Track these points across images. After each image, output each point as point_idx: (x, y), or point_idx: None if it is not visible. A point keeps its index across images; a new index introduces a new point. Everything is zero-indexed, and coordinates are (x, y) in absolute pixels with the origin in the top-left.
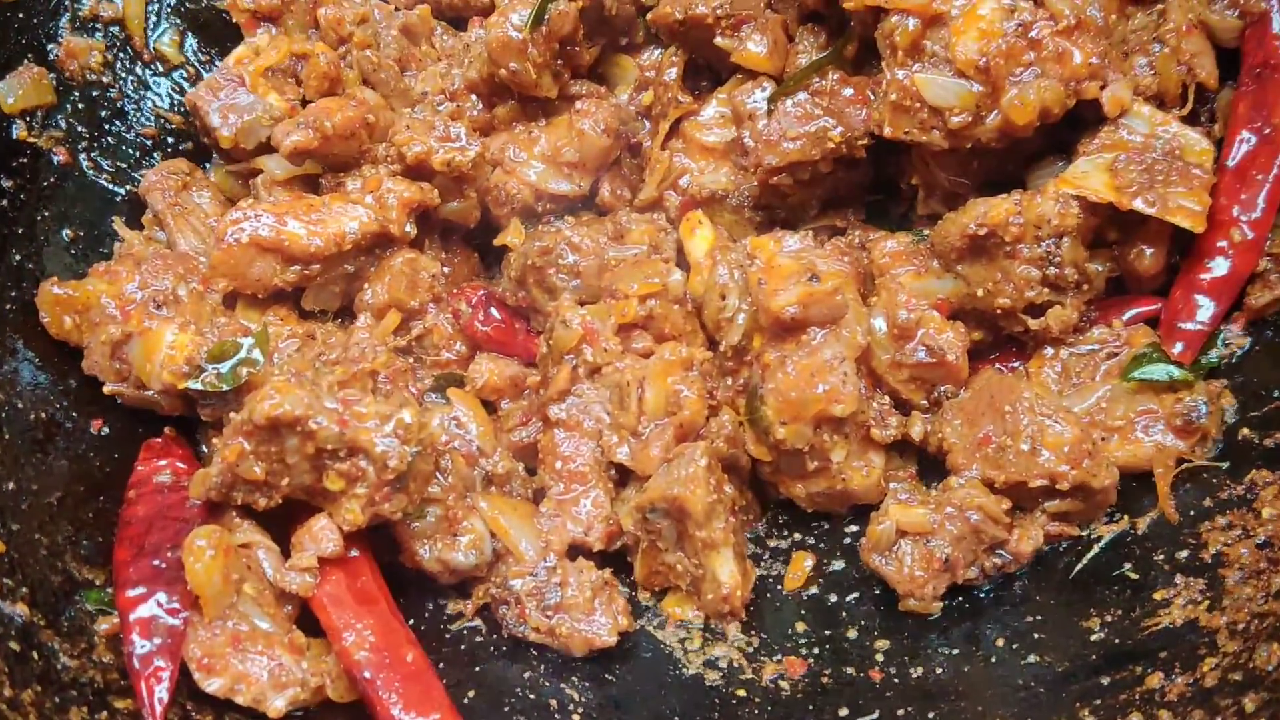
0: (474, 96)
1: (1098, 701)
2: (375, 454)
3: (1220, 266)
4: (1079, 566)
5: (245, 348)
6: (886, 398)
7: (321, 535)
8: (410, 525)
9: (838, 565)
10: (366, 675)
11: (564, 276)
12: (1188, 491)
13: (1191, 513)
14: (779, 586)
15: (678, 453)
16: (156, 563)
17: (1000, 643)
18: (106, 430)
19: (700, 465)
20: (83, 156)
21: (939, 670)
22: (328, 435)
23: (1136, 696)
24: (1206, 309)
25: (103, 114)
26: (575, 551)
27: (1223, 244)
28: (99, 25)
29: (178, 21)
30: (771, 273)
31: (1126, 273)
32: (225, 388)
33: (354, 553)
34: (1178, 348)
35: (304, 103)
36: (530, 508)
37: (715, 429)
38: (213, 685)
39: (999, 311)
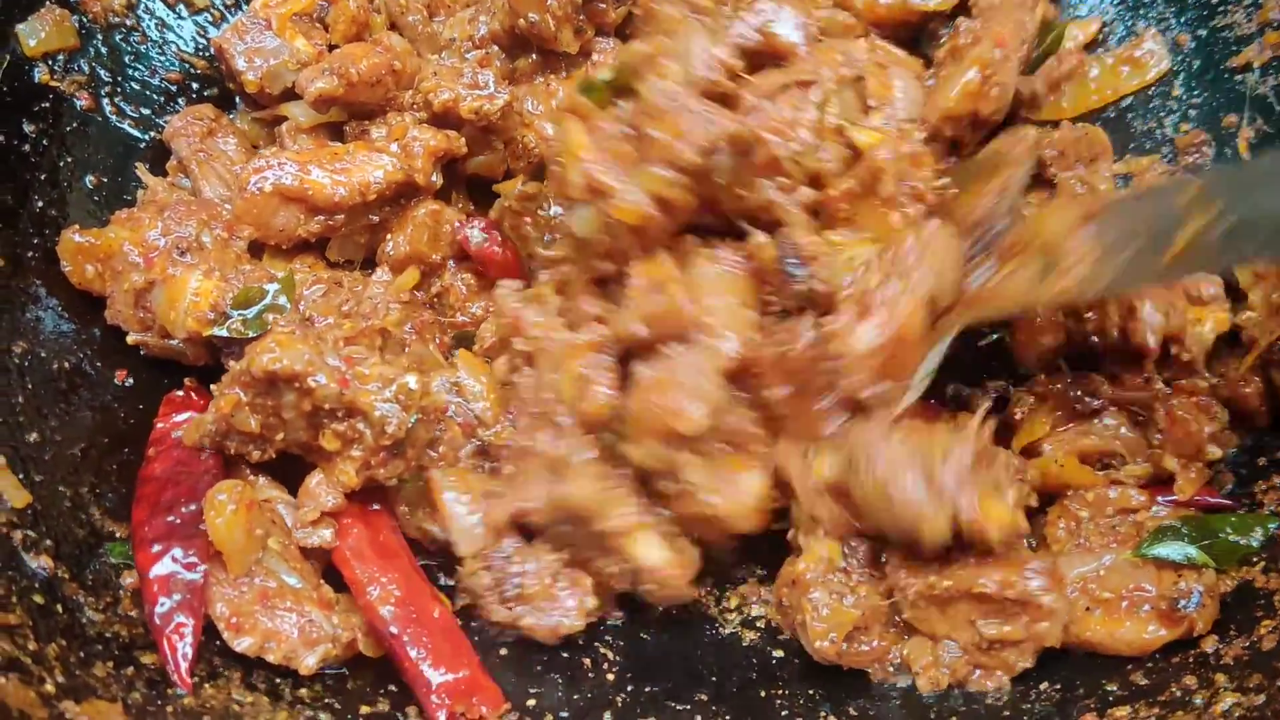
0: (496, 47)
1: (1149, 664)
2: (374, 418)
3: None
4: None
5: (271, 294)
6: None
7: (319, 491)
8: (399, 490)
9: None
10: (393, 631)
11: (538, 230)
12: (1239, 451)
13: (1244, 471)
14: None
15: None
16: (171, 518)
17: None
18: (130, 381)
19: (586, 460)
20: (106, 101)
21: None
22: (326, 394)
23: (1190, 659)
24: None
25: (126, 58)
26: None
27: None
28: None
29: None
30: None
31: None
32: (251, 334)
33: (375, 506)
34: None
35: (331, 48)
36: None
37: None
38: (243, 644)
39: None
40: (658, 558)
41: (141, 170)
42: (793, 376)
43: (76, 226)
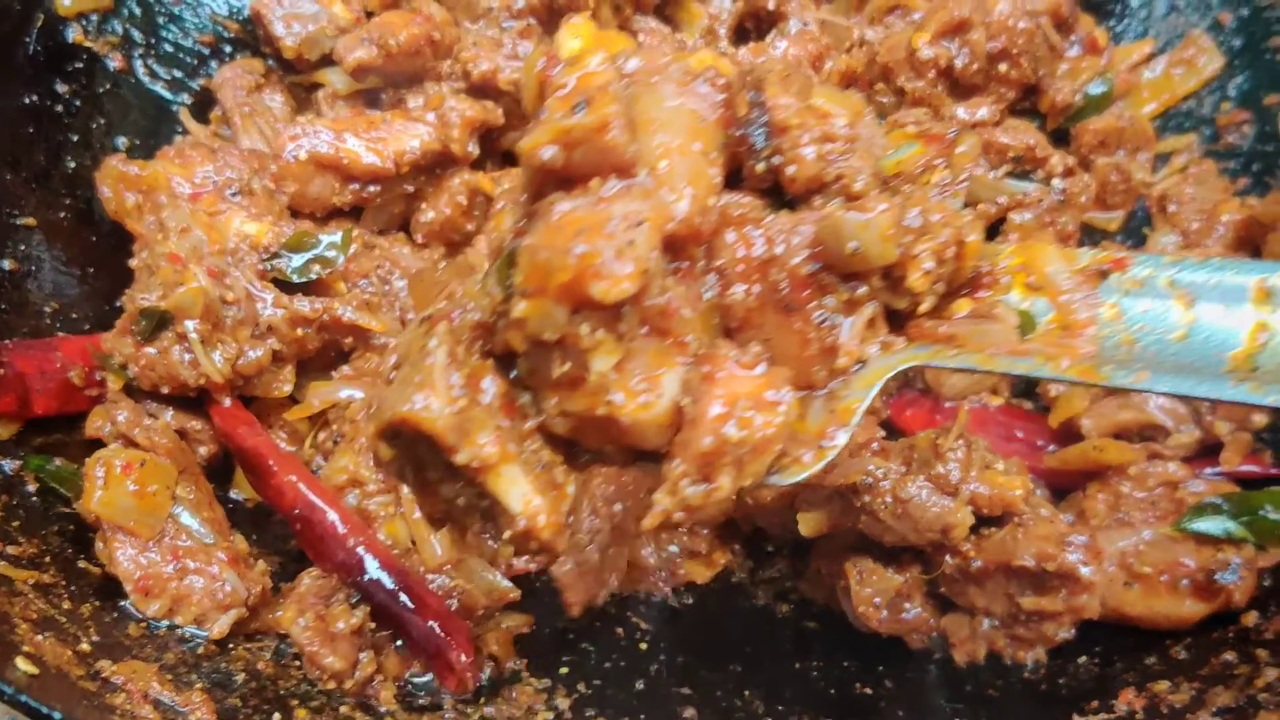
0: (534, 19)
1: (1189, 639)
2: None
3: None
4: None
5: (324, 244)
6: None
7: None
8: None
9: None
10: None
11: None
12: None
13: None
14: None
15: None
16: None
17: None
18: None
19: (437, 361)
20: (138, 63)
21: None
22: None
23: (1231, 634)
24: None
25: (160, 19)
26: None
27: None
28: None
29: None
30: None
31: None
32: (295, 279)
33: None
34: None
35: (369, 14)
36: None
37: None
38: (152, 608)
39: None
40: (520, 498)
41: (185, 115)
42: (768, 279)
43: (123, 155)
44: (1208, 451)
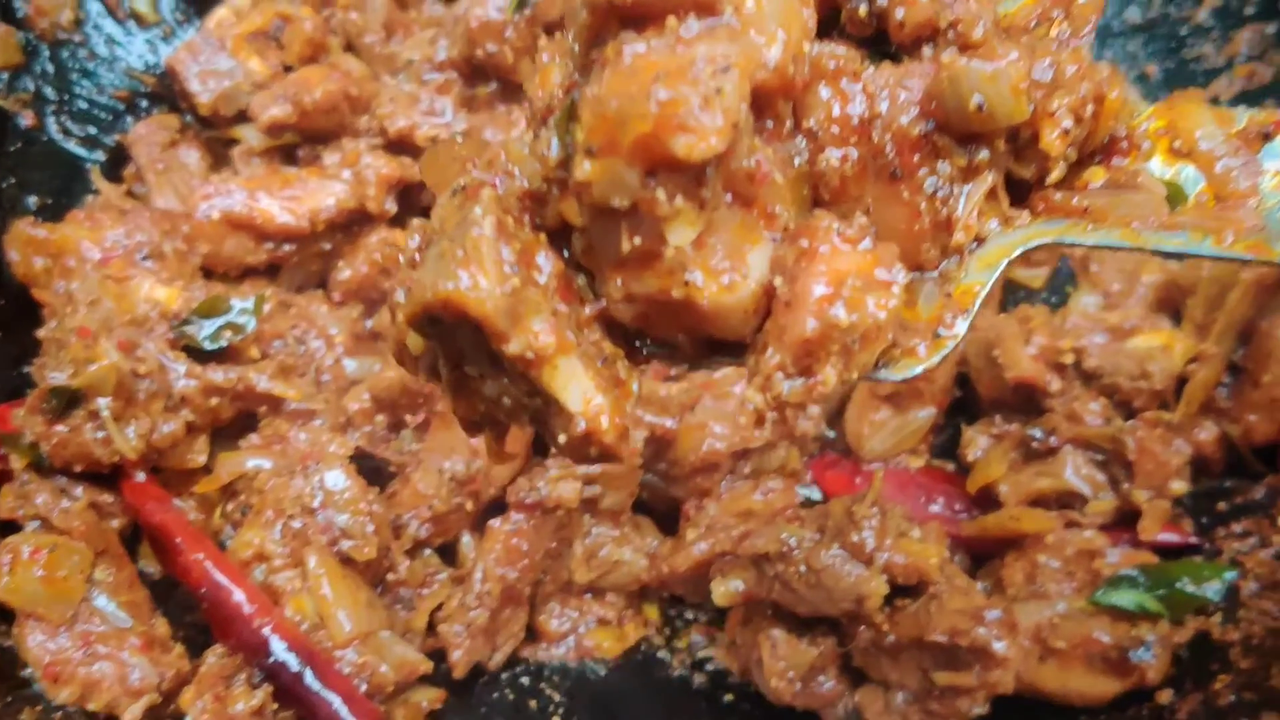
0: (455, 73)
1: (1103, 715)
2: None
3: None
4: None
5: (235, 310)
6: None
7: None
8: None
9: None
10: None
11: None
12: (1198, 496)
13: (1204, 519)
14: None
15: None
16: None
17: None
18: None
19: (485, 233)
20: (51, 120)
21: None
22: None
23: (1145, 712)
24: None
25: (73, 75)
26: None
27: None
28: None
29: None
30: None
31: None
32: (207, 346)
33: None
34: None
35: (286, 68)
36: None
37: (514, 166)
38: (61, 695)
39: None
40: (579, 395)
41: (96, 175)
42: (870, 142)
43: (31, 218)
44: (1126, 519)
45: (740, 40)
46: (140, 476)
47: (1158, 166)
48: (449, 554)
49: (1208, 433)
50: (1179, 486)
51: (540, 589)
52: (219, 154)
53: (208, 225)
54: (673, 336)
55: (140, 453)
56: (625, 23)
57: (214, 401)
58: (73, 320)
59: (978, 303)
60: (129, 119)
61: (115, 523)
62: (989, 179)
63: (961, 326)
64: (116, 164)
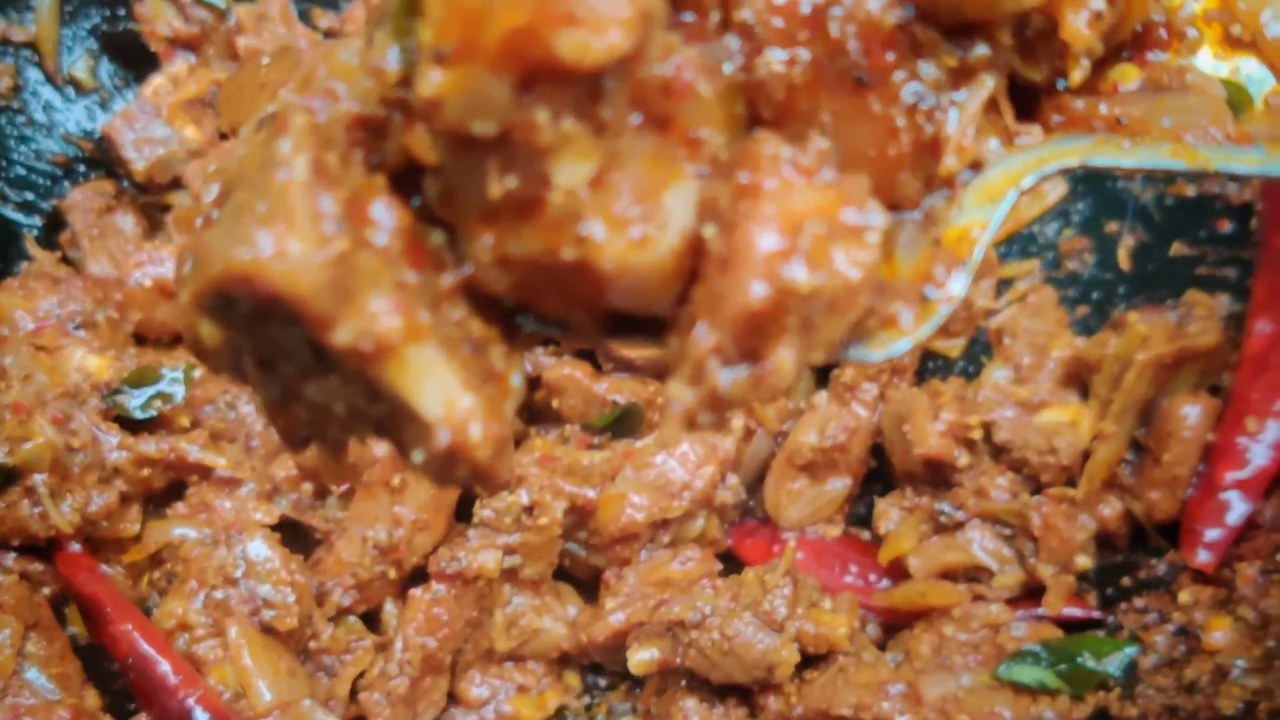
0: None
1: None
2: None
3: (1249, 460)
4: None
5: (167, 379)
6: None
7: None
8: None
9: None
10: None
11: None
12: (1103, 571)
13: (1109, 591)
14: None
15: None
16: None
17: None
18: None
19: (296, 177)
20: None
21: None
22: None
23: None
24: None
25: (10, 141)
26: None
27: (1242, 439)
28: (9, 48)
29: (93, 45)
30: None
31: None
32: (138, 416)
33: None
34: (1201, 557)
35: (222, 135)
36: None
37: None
38: None
39: None
40: (436, 399)
41: (30, 243)
42: (827, 37)
43: None
44: (1032, 593)
45: None
46: (75, 547)
47: (1208, 61)
48: (373, 620)
49: (1111, 509)
50: (1083, 561)
51: (461, 657)
52: (154, 219)
53: (140, 293)
54: (565, 312)
55: (76, 526)
56: None
57: (146, 472)
58: (6, 397)
59: (978, 251)
60: (66, 184)
61: (45, 590)
62: (988, 84)
63: (958, 285)
64: (53, 229)
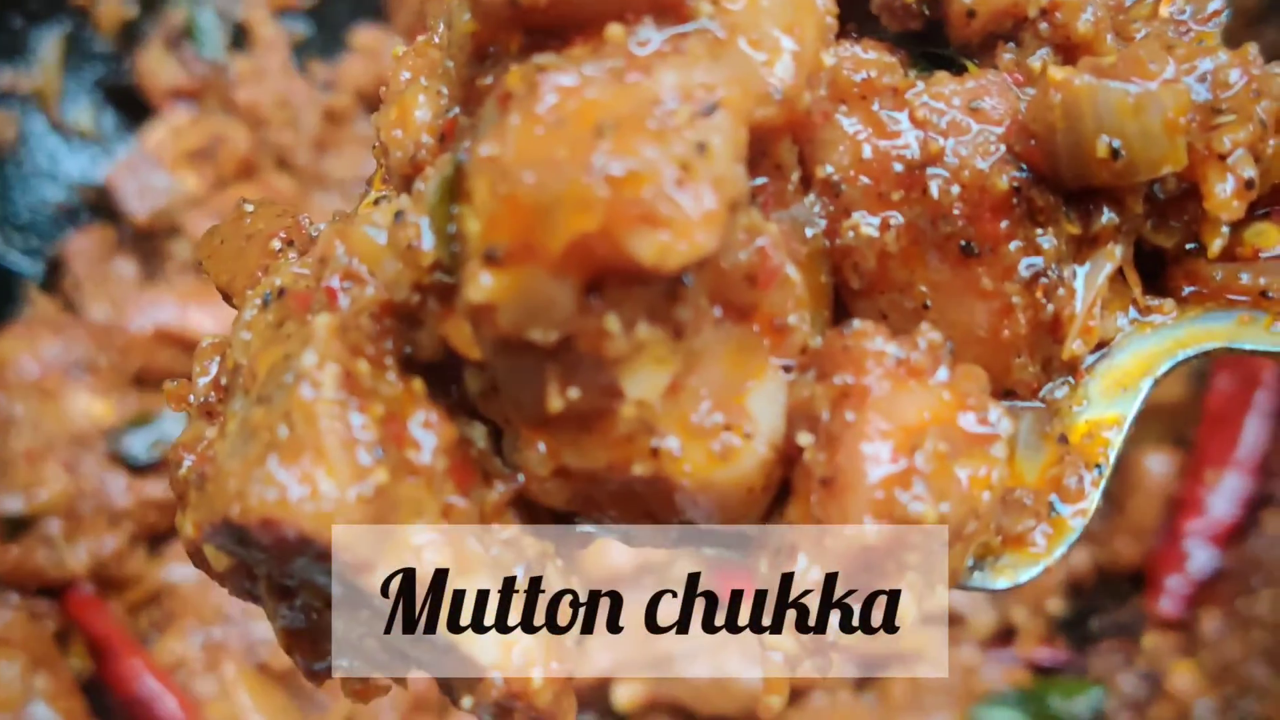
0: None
1: None
2: None
3: (1210, 511)
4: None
5: (167, 421)
6: None
7: None
8: None
9: None
10: None
11: None
12: (1074, 615)
13: (1077, 637)
14: None
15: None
16: None
17: None
18: None
19: (324, 395)
20: None
21: None
22: None
23: None
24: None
25: (15, 188)
26: None
27: (1203, 490)
28: (14, 97)
29: (96, 95)
30: None
31: None
32: (141, 460)
33: None
34: (1165, 604)
35: (221, 183)
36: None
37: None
38: None
39: None
40: (491, 646)
41: (33, 289)
42: (926, 199)
43: None
44: (1004, 636)
45: (727, 58)
46: (87, 589)
47: None
48: None
49: (1080, 556)
50: (1054, 605)
51: None
52: (155, 265)
53: (141, 338)
54: (634, 521)
55: (89, 569)
56: (535, 35)
57: (151, 514)
58: (17, 443)
59: (1114, 453)
60: (70, 228)
61: (50, 624)
62: (1116, 254)
63: (1092, 496)
64: (56, 272)
